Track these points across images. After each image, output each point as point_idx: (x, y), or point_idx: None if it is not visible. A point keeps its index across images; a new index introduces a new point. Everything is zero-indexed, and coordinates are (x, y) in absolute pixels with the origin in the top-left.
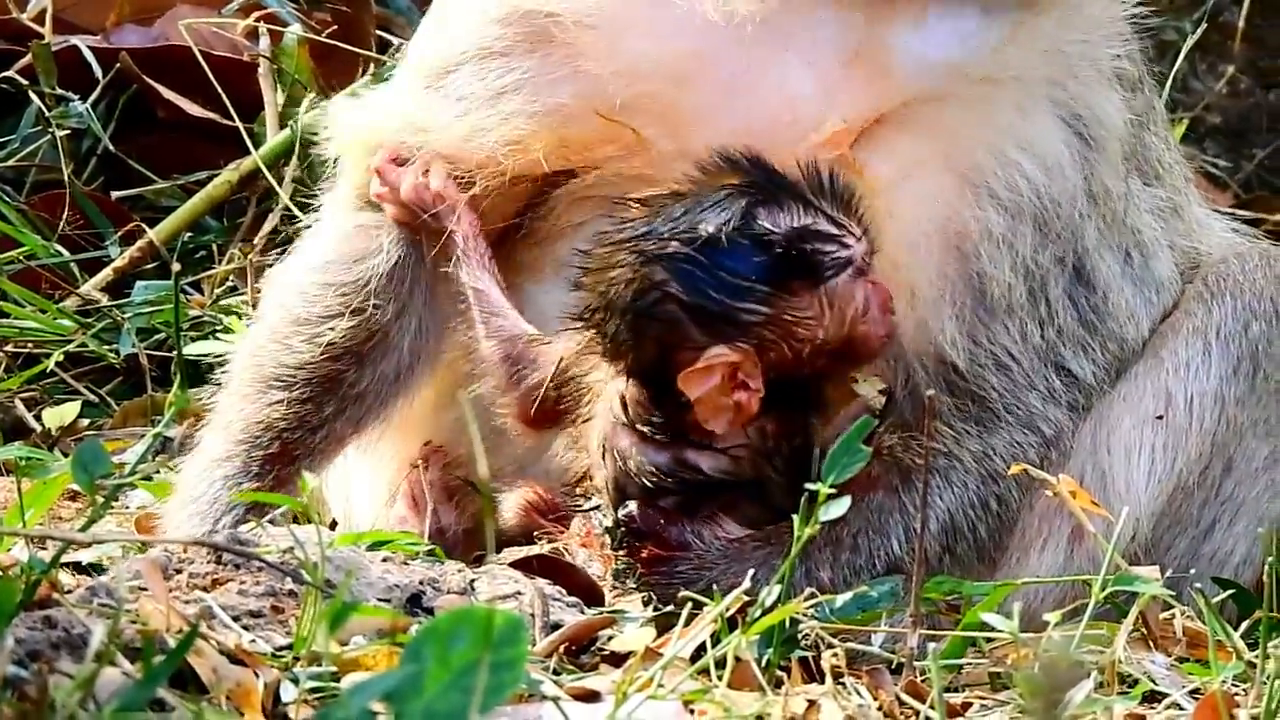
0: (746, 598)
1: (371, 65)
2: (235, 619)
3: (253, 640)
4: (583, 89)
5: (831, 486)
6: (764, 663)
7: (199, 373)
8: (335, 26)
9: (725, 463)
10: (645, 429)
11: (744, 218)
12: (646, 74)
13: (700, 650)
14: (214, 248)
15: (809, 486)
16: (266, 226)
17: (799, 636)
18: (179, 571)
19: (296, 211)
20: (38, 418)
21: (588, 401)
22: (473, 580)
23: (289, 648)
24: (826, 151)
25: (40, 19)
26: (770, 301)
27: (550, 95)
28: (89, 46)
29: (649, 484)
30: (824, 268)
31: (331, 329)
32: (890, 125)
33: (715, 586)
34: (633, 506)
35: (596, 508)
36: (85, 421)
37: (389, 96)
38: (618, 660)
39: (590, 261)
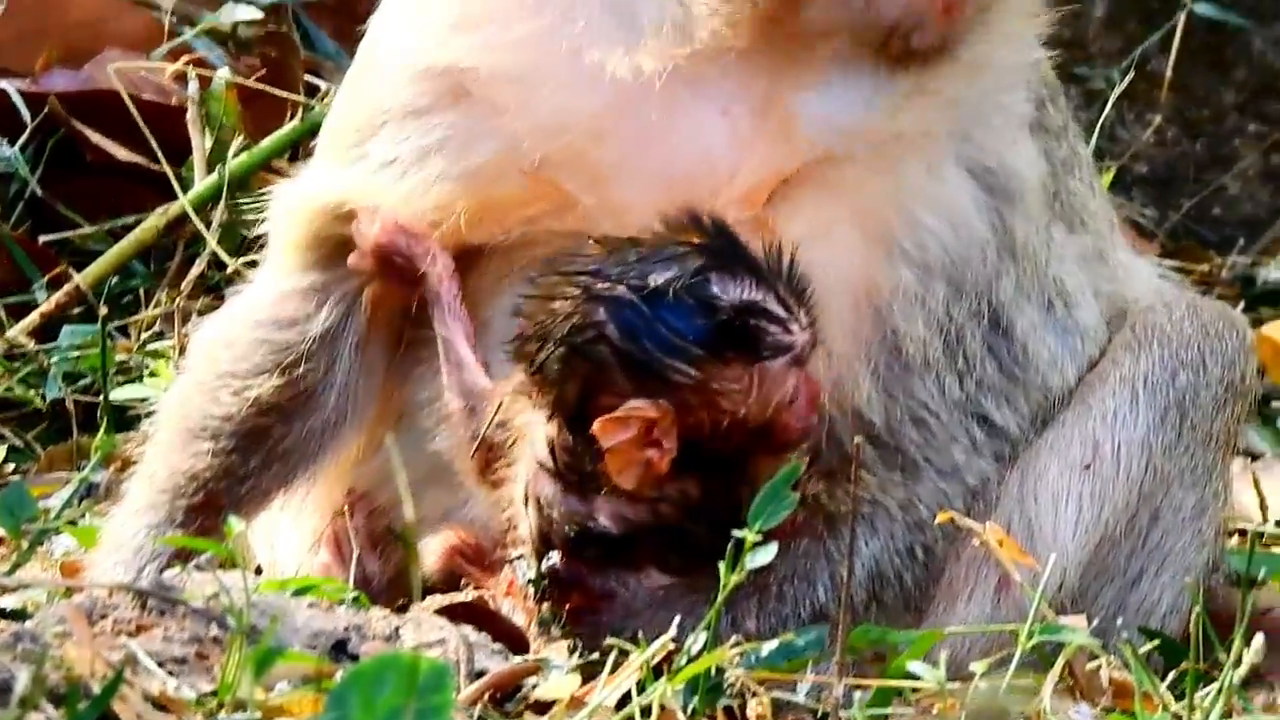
0: (672, 645)
1: (300, 109)
2: (160, 665)
3: (177, 686)
4: (504, 145)
5: (758, 533)
6: (689, 711)
7: (125, 417)
8: (264, 70)
9: (647, 515)
10: (568, 476)
11: (695, 277)
12: (564, 128)
13: (625, 699)
14: (141, 292)
15: (735, 533)
16: (194, 271)
17: (724, 685)
18: (104, 617)
19: (225, 256)
20: None
21: (516, 446)
22: (398, 627)
23: (214, 694)
24: (741, 210)
25: None
26: (701, 366)
27: (473, 154)
28: (17, 90)
29: (572, 533)
30: (763, 347)
31: (260, 385)
32: (800, 184)
33: (641, 635)
34: (556, 558)
35: (520, 557)
36: (10, 466)
37: (321, 175)
38: (543, 708)
39: (535, 289)
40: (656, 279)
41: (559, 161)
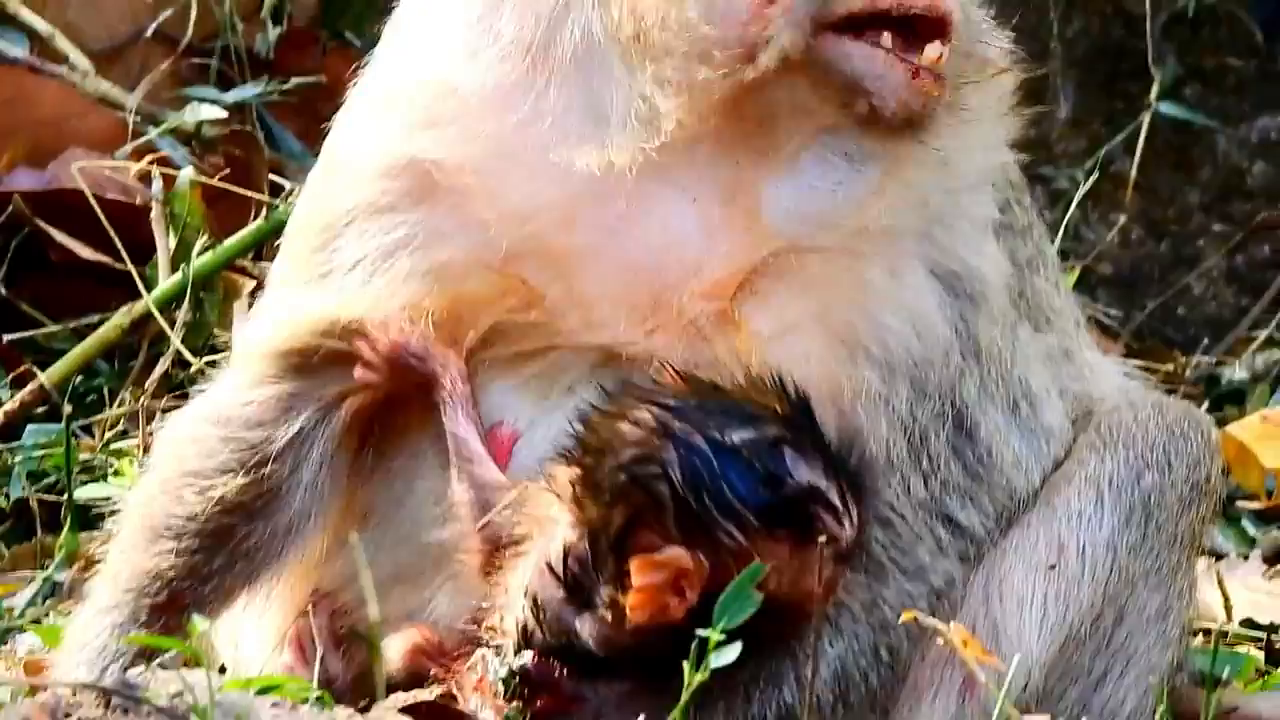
0: None
1: (264, 208)
2: None
3: None
4: (471, 240)
5: (722, 632)
6: None
7: (90, 516)
8: (228, 170)
9: (635, 643)
10: (573, 585)
11: (770, 447)
12: (531, 219)
13: None
14: (105, 391)
15: (700, 632)
16: (158, 370)
17: None
18: (68, 716)
19: (189, 355)
20: None
21: (527, 540)
22: None
23: None
24: (708, 302)
25: None
26: (751, 535)
27: (440, 250)
28: None
29: (558, 642)
30: (814, 534)
31: (225, 484)
32: (767, 278)
33: None
34: (528, 656)
35: (496, 649)
36: None
37: (289, 281)
38: None
39: (608, 404)
40: (733, 436)
41: (526, 254)
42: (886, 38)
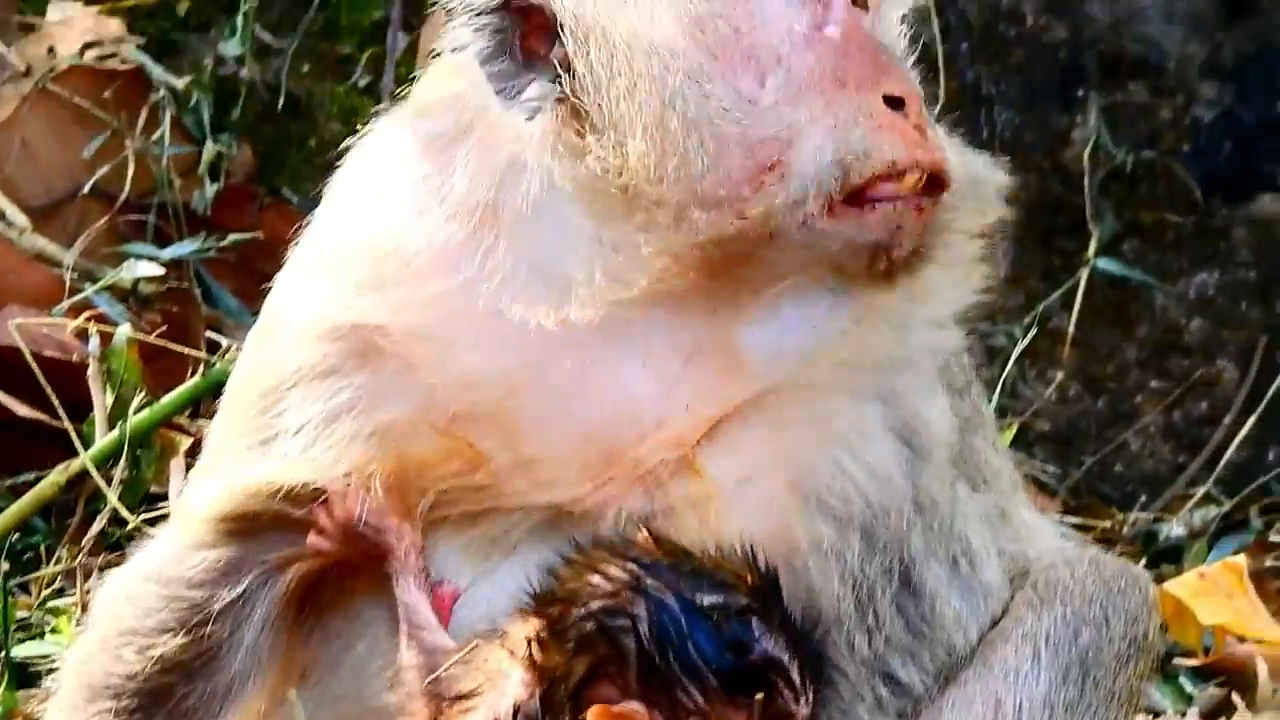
0: None
1: (201, 365)
2: None
3: None
4: (416, 403)
5: None
6: None
7: (27, 674)
8: (165, 327)
9: None
10: None
11: (739, 615)
12: (478, 384)
13: None
14: (42, 549)
15: None
16: (95, 528)
17: None
18: None
19: (125, 513)
20: None
21: (475, 692)
22: None
23: None
24: (669, 450)
25: None
26: (710, 697)
27: (384, 412)
28: None
29: None
30: (769, 703)
31: (164, 643)
32: (734, 423)
33: None
34: None
35: None
36: None
37: (232, 446)
38: None
39: (577, 555)
40: (704, 599)
41: (472, 418)
42: (910, 176)
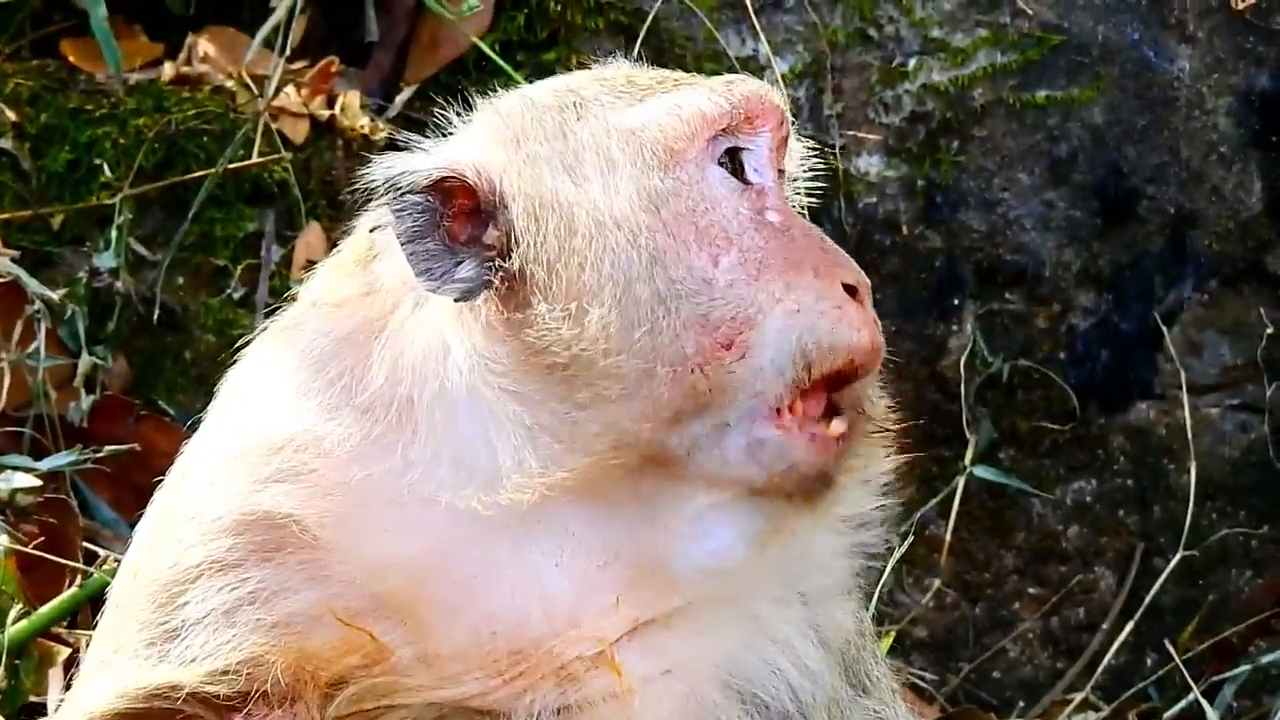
0: None
1: (79, 576)
2: None
3: None
4: (321, 594)
5: None
6: None
7: None
8: (42, 538)
9: None
10: None
11: None
12: (385, 572)
13: None
14: None
15: None
16: None
17: None
18: None
19: None
20: None
21: None
22: None
23: None
24: (585, 647)
25: None
26: None
27: (287, 604)
28: None
29: None
30: None
31: None
32: (657, 625)
33: None
34: None
35: None
36: None
37: (121, 657)
38: None
39: None
40: None
41: (377, 609)
42: (836, 426)
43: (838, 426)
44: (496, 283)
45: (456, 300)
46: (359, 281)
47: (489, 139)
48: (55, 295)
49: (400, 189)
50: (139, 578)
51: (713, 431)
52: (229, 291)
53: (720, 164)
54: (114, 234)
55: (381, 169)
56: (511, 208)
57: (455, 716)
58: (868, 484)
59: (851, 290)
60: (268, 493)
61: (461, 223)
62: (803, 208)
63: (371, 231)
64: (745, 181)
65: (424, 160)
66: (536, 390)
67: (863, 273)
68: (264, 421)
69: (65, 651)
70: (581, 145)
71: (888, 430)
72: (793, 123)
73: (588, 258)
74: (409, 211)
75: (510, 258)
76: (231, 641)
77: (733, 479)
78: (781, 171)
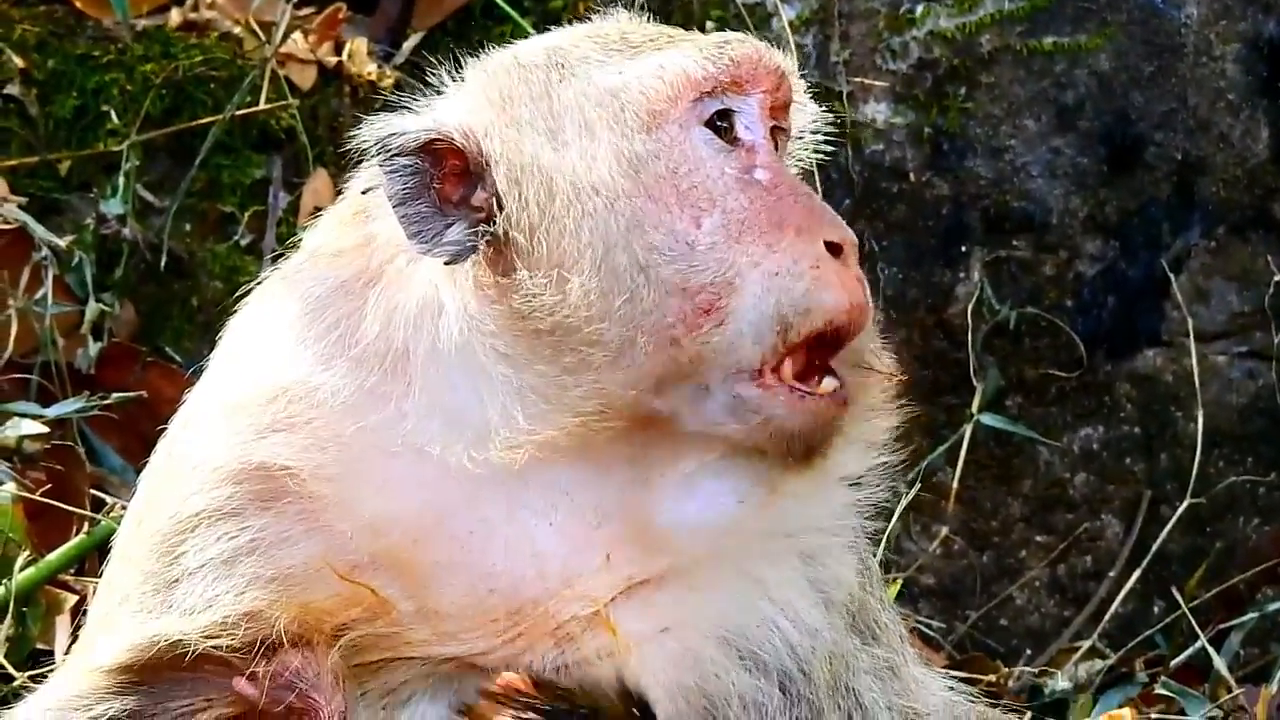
0: None
1: (86, 524)
2: None
3: None
4: (319, 549)
5: None
6: None
7: None
8: (50, 485)
9: None
10: None
11: None
12: (383, 529)
13: None
14: None
15: None
16: None
17: None
18: None
19: (11, 670)
20: None
21: None
22: None
23: None
24: (580, 606)
25: None
26: None
27: (286, 557)
28: None
29: None
30: None
31: None
32: (650, 585)
33: None
34: None
35: None
36: None
37: (126, 606)
38: None
39: (468, 710)
40: None
41: (376, 564)
42: (827, 383)
43: (828, 384)
44: (483, 247)
45: (446, 263)
46: (357, 233)
47: (477, 100)
48: (62, 242)
49: (390, 151)
50: (142, 526)
51: (696, 394)
52: (236, 238)
53: (709, 124)
54: (121, 180)
55: (372, 130)
56: (495, 171)
57: (459, 673)
58: (869, 443)
59: (836, 249)
60: (266, 443)
61: (454, 183)
62: (810, 167)
63: (364, 193)
64: (735, 140)
65: (412, 122)
66: (525, 353)
67: (849, 231)
68: (262, 371)
69: (72, 599)
70: (564, 107)
71: (889, 388)
72: (801, 76)
73: (567, 224)
74: (399, 173)
75: (496, 222)
76: (231, 591)
77: (719, 437)
78: (783, 129)
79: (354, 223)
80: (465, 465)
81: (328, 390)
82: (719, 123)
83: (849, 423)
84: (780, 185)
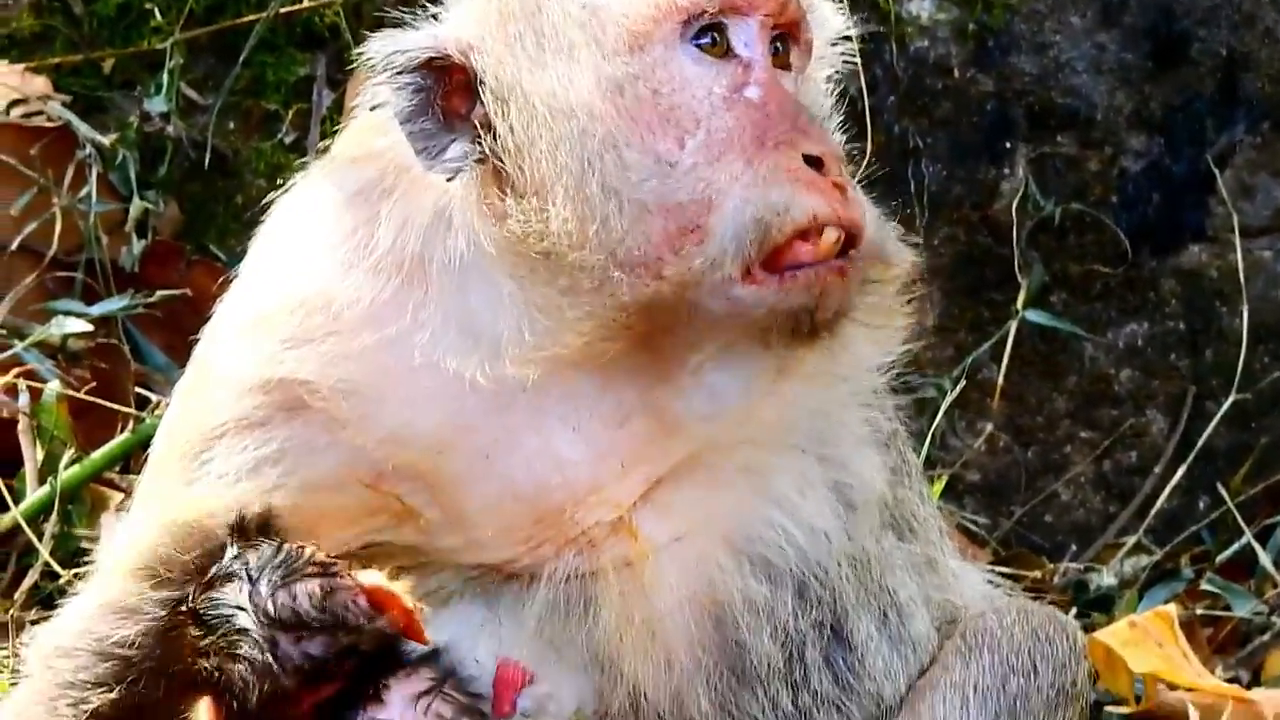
0: None
1: (131, 421)
2: None
3: None
4: (343, 458)
5: None
6: None
7: None
8: (94, 383)
9: None
10: None
11: None
12: (407, 441)
13: None
14: None
15: None
16: (26, 583)
17: None
18: None
19: (57, 568)
20: None
21: None
22: None
23: None
24: (605, 512)
25: None
26: None
27: (310, 466)
28: None
29: None
30: None
31: (99, 698)
32: (669, 484)
33: None
34: None
35: None
36: None
37: (155, 507)
38: None
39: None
40: None
41: (402, 474)
42: (830, 234)
43: (829, 235)
44: (476, 166)
45: (449, 180)
46: (372, 145)
47: (477, 16)
48: (106, 140)
49: (396, 67)
50: (173, 436)
51: (689, 306)
52: (280, 136)
53: (697, 41)
54: (165, 78)
55: (376, 46)
56: (486, 92)
57: (485, 577)
58: (879, 330)
59: (816, 161)
60: (290, 355)
61: (460, 98)
62: (832, 79)
63: (372, 110)
64: (729, 54)
65: (413, 39)
66: (526, 273)
67: (833, 144)
68: (284, 280)
69: (118, 497)
70: (549, 26)
71: (905, 276)
72: None
73: (543, 148)
74: (404, 90)
75: (484, 141)
76: (254, 492)
77: (723, 328)
78: (792, 39)
79: (375, 126)
80: (484, 375)
81: (346, 300)
82: (711, 35)
83: (858, 304)
84: (769, 103)
